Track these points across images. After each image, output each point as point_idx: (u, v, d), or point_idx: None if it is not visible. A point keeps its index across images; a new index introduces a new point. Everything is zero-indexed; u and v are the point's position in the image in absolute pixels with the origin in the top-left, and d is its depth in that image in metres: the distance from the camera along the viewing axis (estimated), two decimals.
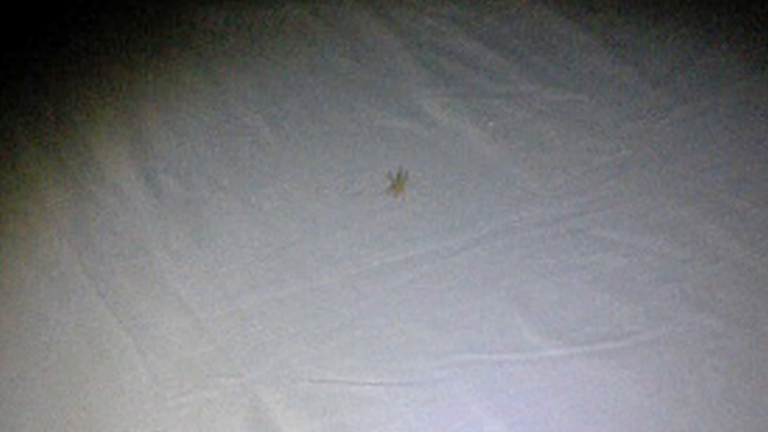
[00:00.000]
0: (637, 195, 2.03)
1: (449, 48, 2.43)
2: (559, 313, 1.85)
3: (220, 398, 1.76)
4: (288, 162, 2.18)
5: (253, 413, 1.74)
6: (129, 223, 2.10)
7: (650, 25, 2.40)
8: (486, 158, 2.15)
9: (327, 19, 2.59)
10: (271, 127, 2.28)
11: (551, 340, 1.81)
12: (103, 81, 2.48)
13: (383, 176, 2.11)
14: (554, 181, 2.07)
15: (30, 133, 2.35)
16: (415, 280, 1.91)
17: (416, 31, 2.49)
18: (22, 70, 2.53)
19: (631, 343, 1.80)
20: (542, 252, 1.95)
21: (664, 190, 2.03)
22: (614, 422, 1.68)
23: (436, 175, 2.12)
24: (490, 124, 2.21)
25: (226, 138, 2.27)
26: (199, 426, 1.74)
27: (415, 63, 2.39)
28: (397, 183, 2.04)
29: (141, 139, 2.29)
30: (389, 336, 1.83)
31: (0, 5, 2.68)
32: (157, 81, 2.45)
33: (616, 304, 1.83)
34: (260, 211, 2.07)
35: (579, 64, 2.34)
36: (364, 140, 2.22)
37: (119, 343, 1.86)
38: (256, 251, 1.99)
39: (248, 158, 2.20)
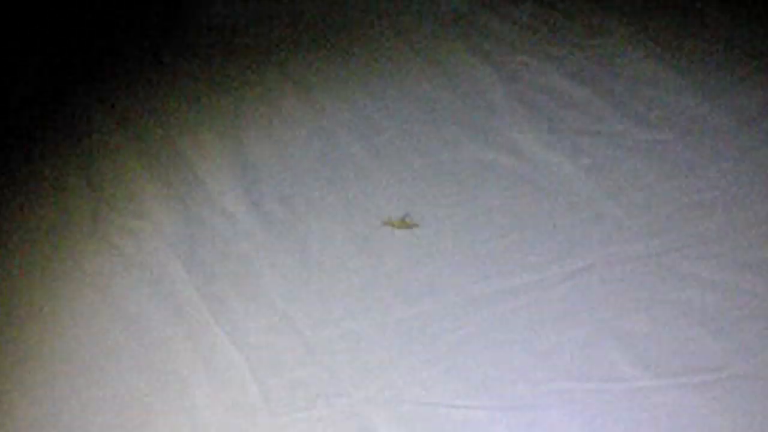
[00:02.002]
0: (725, 234, 2.12)
1: (543, 85, 2.55)
2: (652, 346, 1.93)
3: (330, 417, 1.85)
4: (390, 191, 2.29)
5: None
6: (237, 245, 2.20)
7: (739, 67, 2.50)
8: (579, 194, 2.25)
9: (424, 53, 2.71)
10: (373, 156, 2.40)
11: (644, 371, 1.89)
12: (208, 108, 2.60)
13: (483, 209, 2.22)
14: (645, 218, 2.17)
15: (139, 155, 2.47)
16: (514, 310, 2.01)
17: (511, 67, 2.61)
18: (134, 97, 2.66)
19: (721, 377, 1.87)
20: (635, 286, 2.05)
21: (751, 230, 2.13)
22: None
23: (531, 208, 2.22)
24: (584, 161, 2.31)
25: (329, 165, 2.38)
26: None
27: (510, 98, 2.50)
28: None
29: (246, 165, 2.41)
30: (490, 362, 1.92)
31: (108, 33, 2.82)
32: (260, 108, 2.58)
33: (706, 338, 1.92)
34: (364, 239, 2.18)
35: (669, 103, 2.44)
36: (461, 173, 2.33)
37: (231, 360, 1.94)
38: (361, 276, 2.09)
39: (352, 186, 2.32)
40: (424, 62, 2.63)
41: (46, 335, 2.03)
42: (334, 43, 2.81)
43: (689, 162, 2.26)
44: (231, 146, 2.44)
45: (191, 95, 2.66)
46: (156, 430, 1.84)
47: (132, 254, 2.18)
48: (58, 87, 2.75)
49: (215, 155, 2.43)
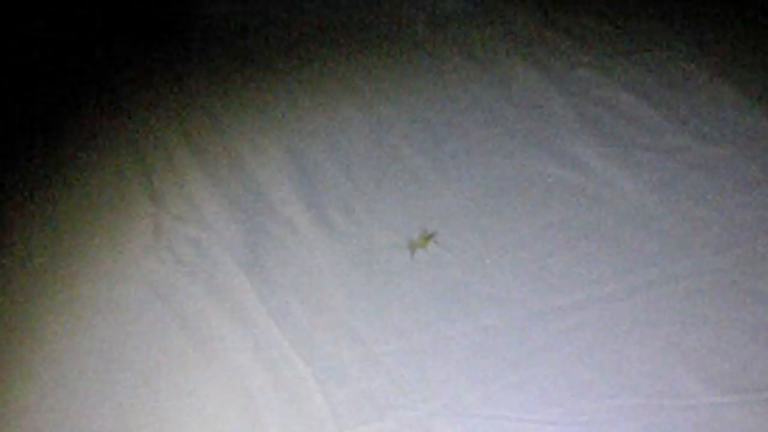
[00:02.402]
0: None
1: (602, 98, 2.55)
2: (717, 362, 1.93)
3: (396, 430, 1.85)
4: (452, 204, 2.30)
5: None
6: (301, 256, 2.21)
7: None
8: (641, 209, 2.25)
9: (483, 64, 2.72)
10: (435, 168, 2.41)
11: (709, 388, 1.89)
12: (268, 116, 2.62)
13: (545, 223, 2.23)
14: (708, 235, 2.17)
15: (199, 164, 2.48)
16: (578, 325, 2.01)
17: (570, 80, 2.61)
18: (193, 106, 2.68)
19: None
20: (699, 302, 2.04)
21: None
22: None
23: (592, 223, 2.22)
24: (645, 176, 2.31)
25: (391, 176, 2.39)
26: None
27: (570, 111, 2.51)
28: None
29: (307, 174, 2.42)
30: (555, 377, 1.92)
31: (163, 41, 2.84)
32: (320, 117, 2.59)
33: None
34: (428, 251, 2.19)
35: (728, 118, 2.44)
36: (523, 186, 2.34)
37: (298, 371, 1.95)
38: (426, 290, 2.10)
39: (414, 198, 2.32)
40: (484, 74, 2.63)
41: (108, 344, 2.03)
42: (394, 53, 2.80)
43: (750, 178, 2.26)
44: (291, 155, 2.45)
45: (251, 104, 2.66)
46: None
47: (195, 263, 2.18)
48: (115, 95, 2.74)
49: (276, 164, 2.44)
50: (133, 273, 2.17)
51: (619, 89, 2.56)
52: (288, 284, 2.10)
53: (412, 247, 2.09)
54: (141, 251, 2.22)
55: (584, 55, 2.70)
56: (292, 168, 2.42)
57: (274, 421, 1.86)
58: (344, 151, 2.46)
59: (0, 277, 2.19)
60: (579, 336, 1.96)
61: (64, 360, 2.01)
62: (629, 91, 2.55)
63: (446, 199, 2.28)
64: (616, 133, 2.40)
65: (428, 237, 2.10)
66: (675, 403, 1.83)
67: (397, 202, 2.29)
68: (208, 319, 2.05)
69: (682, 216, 2.19)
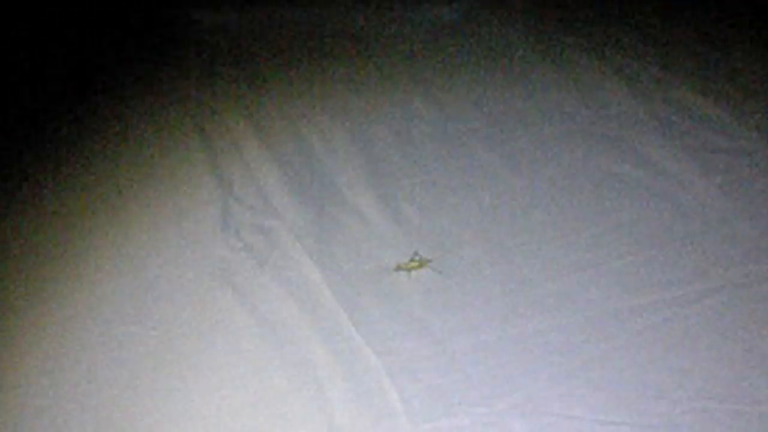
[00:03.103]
0: None
1: (673, 99, 2.52)
2: None
3: (470, 426, 1.82)
4: (525, 201, 2.28)
5: None
6: (372, 246, 2.18)
7: None
8: (714, 211, 2.22)
9: (555, 63, 2.69)
10: (506, 164, 2.38)
11: None
12: (338, 107, 2.60)
13: (617, 223, 2.20)
14: None
15: (268, 153, 2.47)
16: (651, 326, 1.97)
17: (642, 80, 2.58)
18: (263, 95, 2.66)
19: None
20: None
21: None
22: None
23: (664, 224, 2.19)
24: (717, 179, 2.28)
25: (462, 171, 2.36)
26: None
27: (642, 111, 2.48)
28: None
29: (378, 166, 2.40)
30: (630, 378, 1.89)
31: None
32: (387, 108, 2.57)
33: None
34: (500, 246, 2.16)
35: None
36: (594, 185, 2.31)
37: (368, 364, 1.92)
38: (499, 286, 2.07)
39: (486, 193, 2.30)
40: (555, 72, 2.60)
41: (176, 329, 2.02)
42: (466, 49, 2.77)
43: None
44: (360, 145, 2.43)
45: (321, 94, 2.64)
46: (292, 428, 1.81)
47: (264, 251, 2.17)
48: (184, 82, 2.73)
49: (344, 153, 2.42)
50: (201, 259, 2.15)
51: (690, 91, 2.53)
52: (358, 276, 2.08)
53: (399, 269, 2.04)
54: (209, 238, 2.20)
55: (656, 55, 2.65)
56: (361, 158, 2.40)
57: (344, 413, 1.83)
58: (413, 142, 2.44)
59: (70, 261, 2.15)
60: (654, 337, 1.93)
61: (129, 344, 2.00)
62: (700, 93, 2.52)
63: (517, 195, 2.25)
64: (688, 134, 2.38)
65: (422, 263, 2.06)
66: (752, 409, 1.81)
67: (467, 196, 2.27)
68: (278, 307, 2.03)
69: (754, 220, 2.17)
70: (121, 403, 1.86)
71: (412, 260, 2.05)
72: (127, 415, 1.83)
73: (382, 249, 2.14)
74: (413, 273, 2.04)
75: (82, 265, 2.16)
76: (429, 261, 2.05)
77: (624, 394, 1.84)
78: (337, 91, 2.65)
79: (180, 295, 2.08)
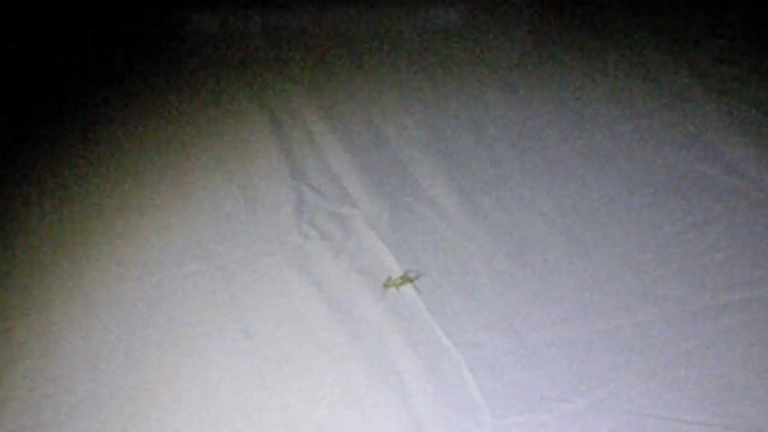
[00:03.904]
0: None
1: (752, 98, 2.47)
2: None
3: (552, 422, 1.80)
4: (602, 197, 2.26)
5: None
6: (450, 239, 2.16)
7: None
8: None
9: (626, 56, 2.66)
10: (582, 157, 2.35)
11: None
12: (413, 97, 2.57)
13: (697, 220, 2.16)
14: None
15: (341, 141, 2.46)
16: (735, 326, 1.93)
17: (718, 78, 2.54)
18: (336, 83, 2.65)
19: None
20: None
21: None
22: None
23: (743, 223, 2.15)
24: None
25: (538, 164, 2.33)
26: None
27: (717, 109, 2.44)
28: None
29: (454, 156, 2.37)
30: (713, 377, 1.86)
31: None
32: (462, 98, 2.54)
33: None
34: (579, 242, 2.13)
35: None
36: (673, 182, 2.27)
37: (449, 357, 1.90)
38: (578, 281, 2.04)
39: (563, 188, 2.26)
40: (628, 66, 2.56)
41: (250, 316, 2.04)
42: (538, 42, 2.74)
43: None
44: (437, 137, 2.41)
45: (395, 84, 2.62)
46: (373, 423, 1.79)
47: (340, 240, 2.16)
48: (254, 66, 2.72)
49: (421, 145, 2.39)
50: (275, 247, 2.14)
51: None
52: (437, 267, 2.06)
53: (387, 286, 2.01)
54: (284, 226, 2.19)
55: (732, 52, 2.61)
56: (436, 149, 2.38)
57: (426, 405, 1.82)
58: (488, 134, 2.42)
59: (144, 249, 2.19)
60: (737, 337, 1.90)
61: (205, 332, 2.01)
62: None
63: (593, 191, 2.23)
64: (766, 132, 2.32)
65: (408, 279, 2.03)
66: None
67: (544, 189, 2.24)
68: (355, 297, 2.03)
69: None
70: (195, 390, 1.89)
71: (400, 276, 2.00)
72: (204, 401, 1.86)
73: (459, 241, 2.12)
74: (401, 289, 2.00)
75: (155, 252, 2.16)
76: (417, 277, 2.00)
77: (707, 394, 1.81)
78: (411, 82, 2.61)
79: (255, 283, 2.07)
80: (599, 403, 1.78)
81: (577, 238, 2.09)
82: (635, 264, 2.03)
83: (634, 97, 2.49)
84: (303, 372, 1.88)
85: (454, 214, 2.15)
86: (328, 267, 2.06)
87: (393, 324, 1.92)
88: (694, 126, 2.36)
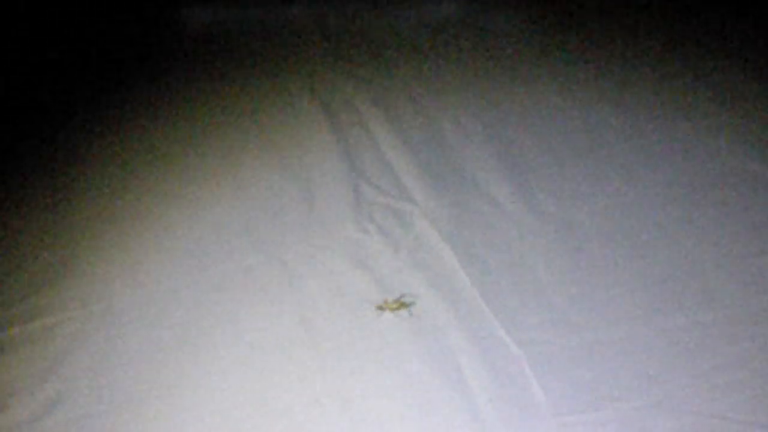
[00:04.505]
0: None
1: None
2: None
3: (612, 421, 1.80)
4: (660, 196, 2.26)
5: None
6: (509, 236, 2.16)
7: None
8: None
9: (684, 59, 2.65)
10: (640, 156, 2.35)
11: None
12: (470, 94, 2.58)
13: (750, 223, 2.17)
14: None
15: (398, 136, 2.47)
16: None
17: None
18: (391, 79, 2.66)
19: None
20: None
21: None
22: None
23: None
24: None
25: (597, 162, 2.33)
26: None
27: None
28: None
29: (511, 153, 2.37)
30: None
31: None
32: (520, 98, 2.55)
33: None
34: (637, 240, 2.13)
35: None
36: (729, 182, 2.27)
37: (510, 354, 1.91)
38: (638, 280, 2.04)
39: (622, 186, 2.26)
40: (682, 65, 2.57)
41: (309, 310, 2.05)
42: (597, 43, 2.74)
43: None
44: (493, 133, 2.41)
45: (450, 80, 2.62)
46: (434, 419, 1.80)
47: (399, 236, 2.17)
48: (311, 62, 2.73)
49: (478, 141, 2.40)
50: (333, 241, 2.16)
51: None
52: (497, 265, 2.07)
53: (380, 308, 2.00)
54: (342, 220, 2.20)
55: None
56: (494, 146, 2.38)
57: (487, 401, 1.83)
58: (546, 131, 2.42)
59: (199, 241, 2.20)
60: None
61: (259, 325, 2.02)
62: None
63: (651, 189, 2.24)
64: None
65: (402, 305, 2.03)
66: None
67: (603, 188, 2.25)
68: (415, 293, 2.04)
69: None
70: (256, 383, 1.90)
71: (395, 300, 2.01)
72: (263, 393, 1.87)
73: (518, 238, 2.13)
74: (396, 312, 1.99)
75: (213, 244, 2.19)
76: (412, 303, 2.00)
77: (766, 397, 1.79)
78: (466, 77, 2.62)
79: (314, 277, 2.09)
80: (658, 403, 1.79)
81: (634, 237, 2.10)
82: (692, 264, 2.03)
83: (691, 97, 2.47)
84: (362, 366, 1.89)
85: (513, 211, 2.16)
86: (387, 262, 2.07)
87: (453, 320, 1.93)
88: (750, 126, 2.35)
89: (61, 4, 3.00)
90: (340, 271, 2.05)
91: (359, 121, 2.45)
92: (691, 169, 2.25)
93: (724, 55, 2.61)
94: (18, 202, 2.25)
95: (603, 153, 2.30)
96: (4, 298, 2.02)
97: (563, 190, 2.21)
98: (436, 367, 1.88)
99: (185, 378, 1.87)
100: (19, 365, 1.88)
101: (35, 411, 1.79)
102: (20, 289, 2.05)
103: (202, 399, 1.83)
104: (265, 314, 2.00)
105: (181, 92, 2.72)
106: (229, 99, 2.65)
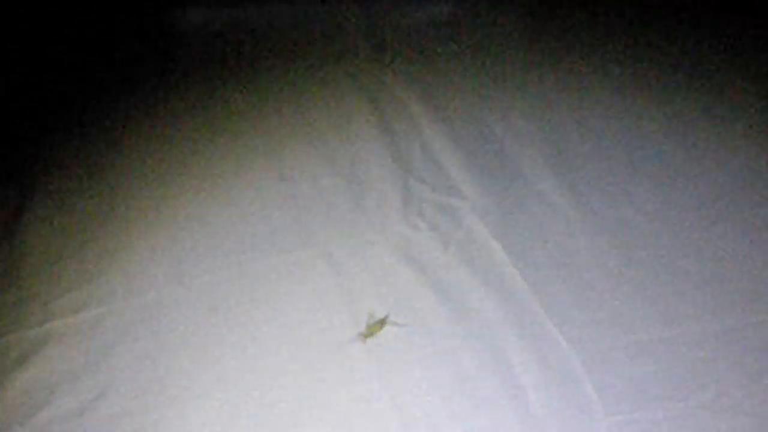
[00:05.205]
0: None
1: None
2: None
3: (664, 421, 1.78)
4: (711, 195, 2.26)
5: None
6: (558, 233, 2.15)
7: None
8: None
9: (731, 57, 2.63)
10: (691, 157, 2.38)
11: None
12: (518, 89, 2.57)
13: None
14: None
15: (447, 132, 2.47)
16: None
17: None
18: (440, 75, 2.65)
19: None
20: None
21: None
22: None
23: None
24: None
25: (647, 162, 2.32)
26: None
27: None
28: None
29: (561, 151, 2.35)
30: None
31: None
32: (570, 96, 2.53)
33: None
34: (689, 240, 2.11)
35: None
36: None
37: (562, 351, 1.89)
38: (687, 279, 2.03)
39: (671, 185, 2.25)
40: (730, 63, 2.54)
41: (356, 305, 2.04)
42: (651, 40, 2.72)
43: None
44: (543, 131, 2.40)
45: (497, 76, 2.61)
46: (485, 415, 1.80)
47: (449, 232, 2.16)
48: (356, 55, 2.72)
49: (527, 138, 2.39)
50: (382, 236, 2.15)
51: None
52: (547, 262, 2.05)
53: (367, 335, 1.96)
54: (390, 215, 2.20)
55: None
56: (545, 143, 2.37)
57: (539, 399, 1.82)
58: (594, 128, 2.40)
59: (247, 234, 2.22)
60: None
61: (308, 318, 2.02)
62: None
63: (700, 188, 2.22)
64: None
65: (380, 322, 1.99)
66: None
67: (651, 186, 2.25)
68: (465, 289, 2.03)
69: None
70: (304, 378, 1.91)
71: (369, 326, 1.97)
72: (312, 389, 1.88)
73: (568, 236, 2.11)
74: (377, 335, 1.95)
75: (261, 238, 2.19)
76: (386, 318, 1.97)
77: None
78: (514, 74, 2.61)
79: (363, 272, 2.09)
80: (711, 403, 1.78)
81: (684, 236, 2.09)
82: (744, 264, 2.01)
83: (741, 96, 2.44)
84: (413, 362, 1.88)
85: (563, 209, 2.15)
86: (437, 258, 2.06)
87: (504, 317, 1.92)
88: None
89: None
90: (389, 266, 2.05)
91: (407, 116, 2.43)
92: (743, 168, 2.21)
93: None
94: (61, 196, 2.25)
95: (651, 151, 2.28)
96: (48, 291, 2.01)
97: (612, 187, 2.21)
98: (487, 364, 1.87)
99: (231, 373, 1.87)
100: (62, 359, 1.88)
101: (77, 406, 1.79)
102: (64, 282, 2.05)
103: (249, 395, 1.83)
104: (314, 310, 2.00)
105: (225, 86, 2.70)
106: (271, 93, 2.62)
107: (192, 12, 3.00)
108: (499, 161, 2.29)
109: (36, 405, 1.78)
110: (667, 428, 1.75)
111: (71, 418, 1.75)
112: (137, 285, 2.05)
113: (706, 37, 2.73)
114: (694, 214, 2.14)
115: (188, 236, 2.17)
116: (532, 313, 1.92)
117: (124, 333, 1.96)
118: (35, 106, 2.57)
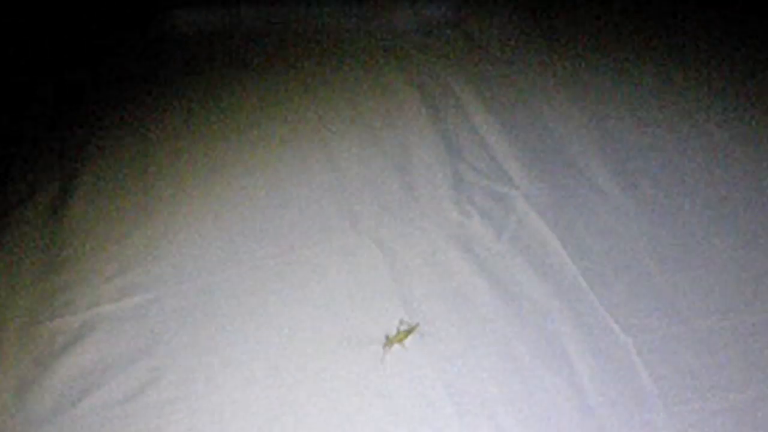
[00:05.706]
0: None
1: None
2: None
3: (722, 412, 1.75)
4: (758, 185, 2.24)
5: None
6: (612, 222, 2.12)
7: None
8: None
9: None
10: (744, 147, 2.36)
11: None
12: (570, 81, 2.55)
13: None
14: None
15: (496, 119, 2.44)
16: None
17: None
18: (480, 58, 2.63)
19: None
20: None
21: None
22: None
23: None
24: None
25: (698, 151, 2.31)
26: None
27: None
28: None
29: (612, 140, 2.33)
30: None
31: None
32: (621, 86, 2.51)
33: None
34: (742, 230, 2.11)
35: None
36: None
37: (617, 341, 1.88)
38: (742, 269, 2.03)
39: (724, 175, 2.25)
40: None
41: (408, 291, 2.02)
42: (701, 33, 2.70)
43: None
44: (594, 118, 2.38)
45: (548, 64, 2.60)
46: (540, 403, 1.79)
47: (501, 219, 2.14)
48: (404, 44, 2.71)
49: (578, 126, 2.36)
50: (434, 223, 2.14)
51: None
52: (601, 251, 2.03)
53: (389, 343, 1.91)
54: (442, 202, 2.18)
55: None
56: (594, 132, 2.35)
57: (594, 388, 1.81)
58: (646, 118, 2.39)
59: (295, 222, 2.20)
60: None
61: (359, 304, 2.01)
62: None
63: (755, 178, 2.22)
64: None
65: (409, 331, 1.96)
66: None
67: (705, 176, 2.23)
68: (519, 278, 2.02)
69: None
70: (355, 366, 1.90)
71: (399, 332, 1.94)
72: (362, 377, 1.86)
73: (622, 225, 2.09)
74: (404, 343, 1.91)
75: (309, 224, 2.19)
76: (416, 326, 1.94)
77: None
78: (563, 62, 2.59)
79: (415, 258, 2.09)
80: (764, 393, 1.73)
81: (739, 226, 2.07)
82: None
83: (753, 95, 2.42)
84: (466, 350, 1.87)
85: (616, 198, 2.13)
86: (490, 245, 2.05)
87: (559, 306, 1.91)
88: None
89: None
90: (441, 253, 2.04)
91: (456, 102, 2.41)
92: (759, 155, 2.19)
93: None
94: (107, 180, 2.24)
95: (704, 140, 2.26)
96: (95, 276, 2.00)
97: (665, 176, 2.19)
98: (542, 352, 1.85)
99: (281, 359, 1.85)
100: (112, 343, 1.87)
101: (128, 390, 1.78)
102: (110, 267, 2.04)
103: (302, 383, 1.82)
104: (365, 296, 2.00)
105: (279, 75, 2.68)
106: (321, 81, 2.60)
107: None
108: (550, 148, 2.27)
109: (84, 390, 1.78)
110: (727, 419, 1.74)
111: (120, 403, 1.75)
112: (186, 271, 2.03)
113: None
114: (752, 203, 2.09)
115: (237, 223, 2.15)
116: (587, 302, 1.91)
117: (173, 319, 1.94)
118: (81, 95, 2.53)
